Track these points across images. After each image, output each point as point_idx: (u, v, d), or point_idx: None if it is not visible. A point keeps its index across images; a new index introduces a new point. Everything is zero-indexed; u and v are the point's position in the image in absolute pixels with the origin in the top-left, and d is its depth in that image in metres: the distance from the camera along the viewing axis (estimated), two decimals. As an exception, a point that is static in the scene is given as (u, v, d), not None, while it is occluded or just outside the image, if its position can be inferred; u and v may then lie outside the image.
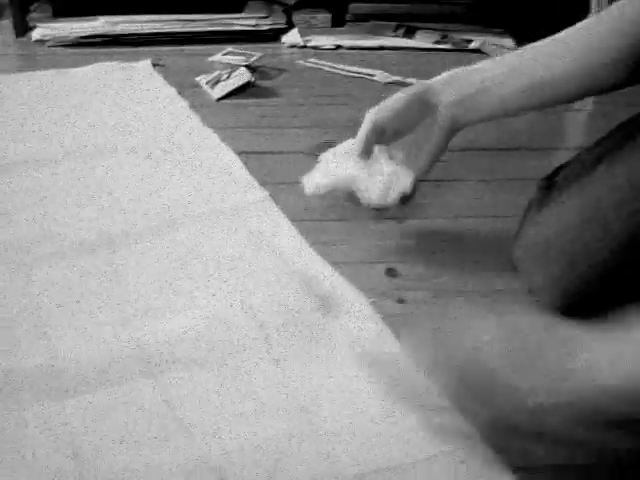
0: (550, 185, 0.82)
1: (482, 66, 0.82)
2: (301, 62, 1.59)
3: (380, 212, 0.88)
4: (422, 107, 0.83)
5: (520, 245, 0.83)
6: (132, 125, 1.22)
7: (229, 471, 0.59)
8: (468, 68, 0.83)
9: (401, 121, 0.84)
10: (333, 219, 0.97)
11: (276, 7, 1.83)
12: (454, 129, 0.83)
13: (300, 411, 0.65)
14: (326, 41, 1.71)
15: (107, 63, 1.50)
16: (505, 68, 0.81)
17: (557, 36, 0.81)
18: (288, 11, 1.82)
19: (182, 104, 1.32)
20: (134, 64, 1.52)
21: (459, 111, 0.82)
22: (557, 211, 0.79)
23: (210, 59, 1.58)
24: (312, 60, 1.60)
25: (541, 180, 0.84)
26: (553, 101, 0.81)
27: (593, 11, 1.55)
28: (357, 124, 0.84)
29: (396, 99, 0.84)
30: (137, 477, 0.58)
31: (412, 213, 0.98)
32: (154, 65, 1.52)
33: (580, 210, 0.76)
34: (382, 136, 0.84)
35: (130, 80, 1.44)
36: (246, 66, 1.49)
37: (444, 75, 0.84)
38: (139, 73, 1.48)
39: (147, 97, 1.35)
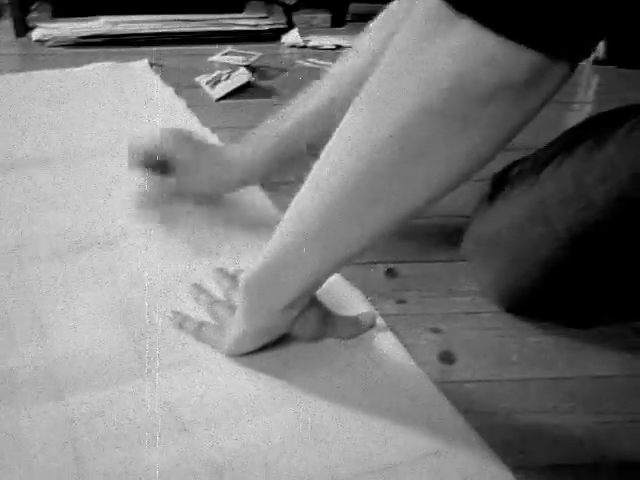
0: (503, 180, 0.83)
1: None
2: (301, 62, 1.59)
3: None
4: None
5: (469, 239, 0.84)
6: (130, 125, 1.22)
7: (227, 471, 0.59)
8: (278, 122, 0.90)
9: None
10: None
11: (276, 7, 1.83)
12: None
13: (297, 411, 0.65)
14: (326, 41, 1.71)
15: (104, 63, 1.50)
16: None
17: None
18: (288, 11, 1.82)
19: (180, 104, 1.32)
20: (131, 64, 1.52)
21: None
22: (505, 207, 0.79)
23: (210, 59, 1.58)
24: (312, 60, 1.60)
25: (494, 174, 0.85)
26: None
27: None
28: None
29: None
30: (136, 476, 0.58)
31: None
32: (151, 65, 1.52)
33: (526, 207, 0.76)
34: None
35: (127, 80, 1.43)
36: (246, 66, 1.49)
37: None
38: (136, 73, 1.48)
39: (144, 97, 1.35)
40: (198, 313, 0.76)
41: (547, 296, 0.76)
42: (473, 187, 1.05)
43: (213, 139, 1.17)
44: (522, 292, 0.77)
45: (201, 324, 0.73)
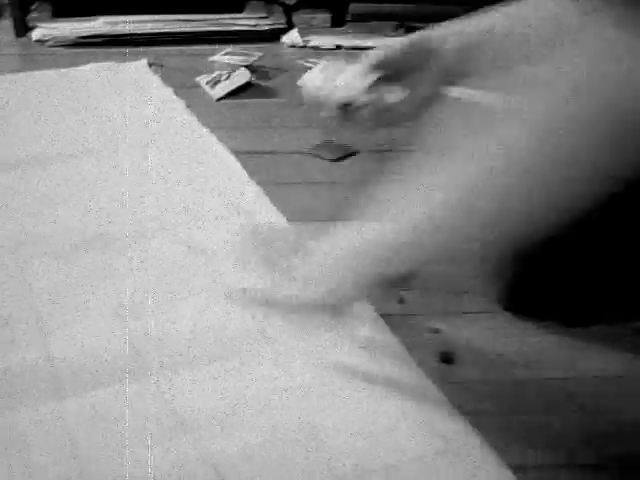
0: None
1: (486, 16, 0.80)
2: (301, 62, 1.59)
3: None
4: (422, 53, 0.81)
5: None
6: (128, 125, 1.22)
7: (228, 471, 0.59)
8: (471, 19, 0.81)
9: (400, 63, 0.82)
10: (332, 219, 0.97)
11: (276, 7, 1.82)
12: (450, 77, 0.82)
13: (299, 411, 0.65)
14: (326, 41, 1.71)
15: (102, 63, 1.50)
16: (511, 19, 0.79)
17: None
18: (288, 11, 1.82)
19: (179, 104, 1.32)
20: (130, 64, 1.51)
21: (459, 59, 0.81)
22: None
23: (210, 59, 1.57)
24: (312, 60, 1.60)
25: None
26: None
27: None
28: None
29: (397, 41, 0.83)
30: (136, 476, 0.58)
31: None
32: (150, 65, 1.52)
33: None
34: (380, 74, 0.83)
35: (126, 80, 1.43)
36: (246, 66, 1.49)
37: (445, 24, 0.83)
38: (135, 73, 1.48)
39: (143, 97, 1.35)
40: (195, 312, 0.76)
41: (547, 293, 0.76)
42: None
43: (211, 139, 1.17)
44: (522, 289, 0.77)
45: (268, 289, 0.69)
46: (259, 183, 1.03)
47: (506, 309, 0.78)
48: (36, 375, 0.68)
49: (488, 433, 0.62)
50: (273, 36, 1.74)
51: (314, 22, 1.80)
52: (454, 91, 0.85)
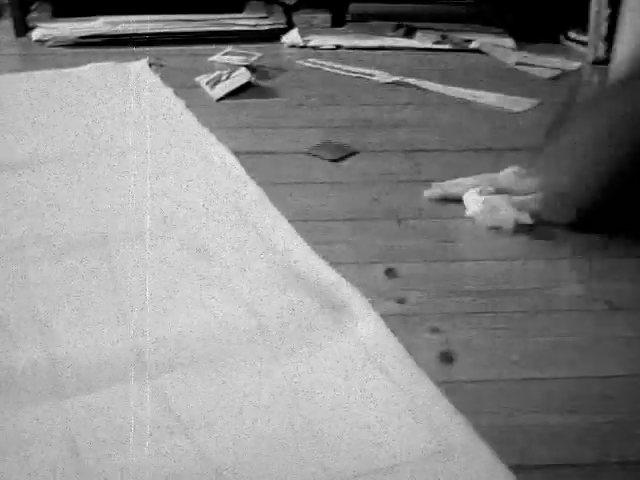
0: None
1: None
2: (301, 62, 1.59)
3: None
4: None
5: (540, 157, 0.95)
6: (127, 125, 1.22)
7: (227, 470, 0.59)
8: None
9: None
10: (332, 219, 0.97)
11: (276, 7, 1.82)
12: None
13: (297, 410, 0.65)
14: (326, 41, 1.71)
15: (102, 63, 1.50)
16: None
17: None
18: (288, 11, 1.82)
19: (179, 104, 1.32)
20: (130, 64, 1.51)
21: None
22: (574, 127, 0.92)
23: (210, 59, 1.57)
24: (312, 60, 1.60)
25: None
26: None
27: (593, 11, 1.55)
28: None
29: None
30: (136, 476, 0.58)
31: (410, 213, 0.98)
32: (150, 65, 1.52)
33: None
34: None
35: (126, 80, 1.43)
36: (246, 66, 1.49)
37: None
38: (135, 73, 1.48)
39: (143, 97, 1.35)
40: (195, 312, 0.76)
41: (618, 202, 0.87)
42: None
43: (210, 139, 1.17)
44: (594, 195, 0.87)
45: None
46: (259, 183, 1.03)
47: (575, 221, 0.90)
48: (36, 375, 0.68)
49: (488, 433, 0.62)
50: (273, 36, 1.74)
51: (314, 22, 1.80)
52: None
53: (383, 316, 0.77)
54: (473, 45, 1.68)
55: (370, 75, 1.50)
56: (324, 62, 1.58)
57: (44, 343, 0.72)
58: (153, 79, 1.45)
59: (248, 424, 0.63)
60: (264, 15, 1.77)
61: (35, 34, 1.69)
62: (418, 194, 1.03)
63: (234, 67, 1.49)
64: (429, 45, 1.70)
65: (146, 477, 0.58)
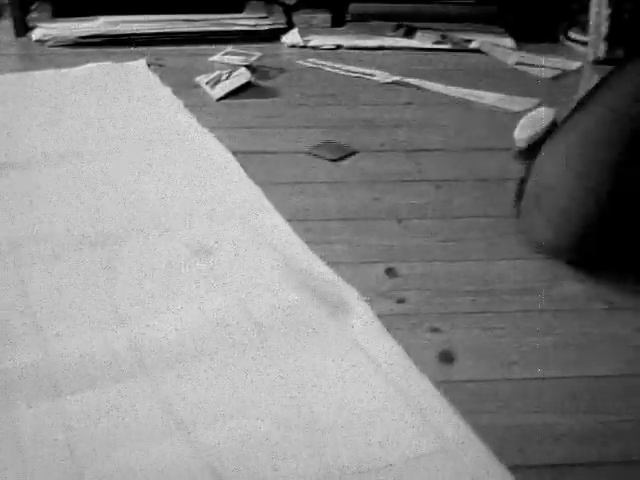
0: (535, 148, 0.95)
1: None
2: (301, 62, 1.59)
3: None
4: None
5: (524, 196, 0.92)
6: (127, 125, 1.22)
7: (225, 469, 0.59)
8: None
9: None
10: (332, 219, 0.97)
11: (276, 7, 1.82)
12: None
13: (296, 409, 0.65)
14: (326, 41, 1.71)
15: (102, 63, 1.50)
16: None
17: None
18: (288, 11, 1.82)
19: (178, 104, 1.32)
20: (129, 64, 1.51)
21: None
22: (553, 148, 0.90)
23: (210, 59, 1.57)
24: (312, 60, 1.60)
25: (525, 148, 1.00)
26: None
27: (593, 11, 1.55)
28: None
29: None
30: (134, 475, 0.58)
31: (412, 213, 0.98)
32: (150, 65, 1.52)
33: (573, 139, 0.88)
34: None
35: (125, 80, 1.43)
36: (246, 66, 1.49)
37: None
38: (134, 73, 1.48)
39: (142, 97, 1.35)
40: (193, 311, 0.76)
41: (612, 230, 0.83)
42: (472, 187, 1.05)
43: (210, 138, 1.17)
44: (586, 228, 0.83)
45: None
46: (259, 183, 1.03)
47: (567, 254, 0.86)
48: (34, 375, 0.68)
49: (488, 433, 0.62)
50: (273, 36, 1.74)
51: (314, 22, 1.80)
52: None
53: (383, 316, 0.77)
54: (473, 45, 1.68)
55: (370, 75, 1.50)
56: (324, 62, 1.58)
57: (41, 343, 0.72)
58: (152, 79, 1.45)
59: (249, 424, 0.63)
60: (264, 15, 1.77)
61: (35, 34, 1.69)
62: (418, 194, 1.03)
63: (234, 67, 1.49)
64: (429, 45, 1.70)
65: (145, 476, 0.58)
